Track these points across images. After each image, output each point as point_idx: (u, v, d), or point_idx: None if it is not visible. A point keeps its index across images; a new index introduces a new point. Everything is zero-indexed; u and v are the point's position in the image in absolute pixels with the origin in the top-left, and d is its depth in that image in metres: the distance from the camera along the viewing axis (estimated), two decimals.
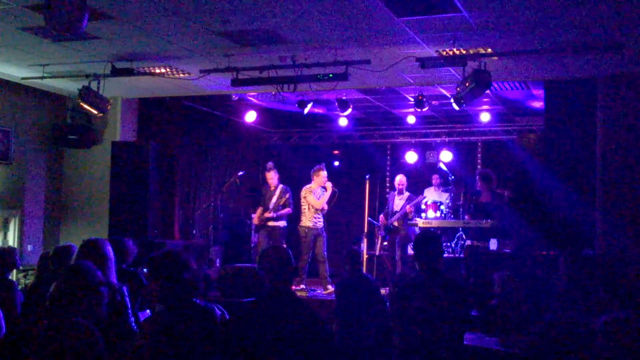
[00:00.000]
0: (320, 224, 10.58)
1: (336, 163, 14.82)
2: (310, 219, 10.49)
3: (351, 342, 7.07)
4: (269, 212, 10.65)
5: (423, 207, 11.57)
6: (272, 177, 10.93)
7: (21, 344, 5.36)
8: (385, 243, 11.48)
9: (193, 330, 3.55)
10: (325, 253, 10.52)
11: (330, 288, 9.95)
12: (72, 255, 5.23)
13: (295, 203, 10.91)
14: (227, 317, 3.78)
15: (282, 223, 10.80)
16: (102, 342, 3.60)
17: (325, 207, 10.57)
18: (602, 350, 2.68)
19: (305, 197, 10.59)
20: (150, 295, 3.78)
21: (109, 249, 4.56)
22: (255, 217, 11.00)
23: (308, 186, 10.65)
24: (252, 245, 12.12)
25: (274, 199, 10.73)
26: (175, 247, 9.52)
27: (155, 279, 3.66)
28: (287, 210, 10.79)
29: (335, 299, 7.55)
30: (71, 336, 3.55)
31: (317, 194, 10.55)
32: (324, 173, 10.62)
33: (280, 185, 10.92)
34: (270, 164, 11.16)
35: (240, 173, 10.97)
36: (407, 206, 10.94)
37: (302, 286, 10.23)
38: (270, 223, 10.69)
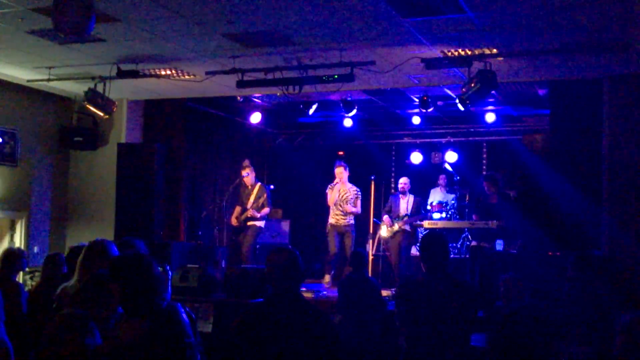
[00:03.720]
0: (344, 222, 10.59)
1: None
2: (333, 216, 10.61)
3: (350, 341, 7.15)
4: (251, 211, 10.56)
5: (429, 207, 11.56)
6: (248, 174, 10.85)
7: (27, 343, 5.39)
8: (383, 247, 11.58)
9: (156, 332, 3.50)
10: (351, 249, 10.52)
11: None
12: None
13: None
14: (193, 316, 3.77)
15: (261, 223, 10.75)
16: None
17: (348, 209, 10.58)
18: (623, 350, 2.68)
19: (326, 194, 10.75)
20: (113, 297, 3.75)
21: (115, 250, 4.56)
22: (233, 218, 10.86)
23: (332, 184, 10.72)
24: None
25: (251, 198, 10.67)
26: (142, 251, 9.51)
27: (115, 281, 3.63)
28: (266, 210, 10.75)
29: (337, 297, 7.71)
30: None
31: (335, 190, 10.56)
32: (337, 170, 10.66)
33: (258, 184, 10.85)
34: (246, 162, 11.04)
35: (245, 175, 10.96)
36: (419, 217, 10.92)
37: (327, 278, 10.32)
38: (250, 222, 10.64)
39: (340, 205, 10.57)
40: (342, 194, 10.62)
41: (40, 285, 6.23)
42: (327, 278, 10.46)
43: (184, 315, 3.62)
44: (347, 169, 10.76)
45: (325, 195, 10.87)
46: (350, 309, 7.37)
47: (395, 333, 5.26)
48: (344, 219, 10.59)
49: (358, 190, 10.78)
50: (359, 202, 10.73)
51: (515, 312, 2.45)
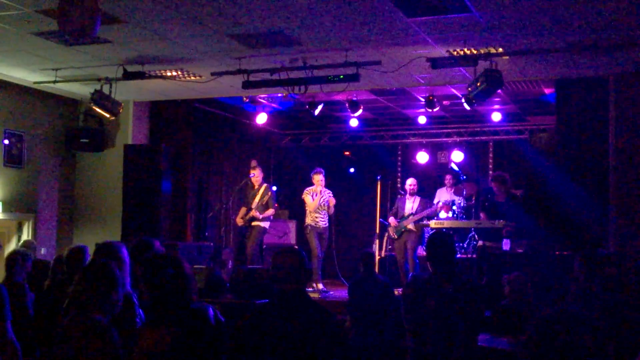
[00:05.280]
0: (323, 224, 10.70)
1: (351, 170, 14.84)
2: (312, 218, 10.68)
3: (364, 341, 7.17)
4: (254, 212, 10.63)
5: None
6: (256, 175, 10.94)
7: (35, 345, 5.39)
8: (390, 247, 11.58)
9: (185, 334, 3.49)
10: (322, 253, 10.72)
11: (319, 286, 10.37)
12: (86, 256, 5.24)
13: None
14: (221, 318, 3.76)
15: (266, 223, 10.82)
16: (118, 342, 3.57)
17: (331, 211, 10.72)
18: None
19: (303, 198, 10.83)
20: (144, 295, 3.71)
21: (125, 252, 4.55)
22: (238, 218, 10.92)
23: (309, 188, 10.79)
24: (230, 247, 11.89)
25: (257, 198, 10.74)
26: (173, 250, 9.53)
27: (146, 281, 3.60)
28: (271, 211, 10.82)
29: (348, 298, 7.74)
30: (90, 334, 3.51)
31: (315, 195, 10.65)
32: (317, 177, 10.78)
33: (264, 184, 10.93)
34: (253, 162, 11.18)
35: (252, 175, 10.99)
36: (425, 212, 10.91)
37: (320, 285, 10.30)
38: (255, 222, 10.70)
39: (319, 210, 10.64)
40: (321, 198, 10.70)
41: (49, 286, 6.23)
42: (320, 285, 10.43)
43: (212, 320, 3.61)
44: (324, 174, 10.85)
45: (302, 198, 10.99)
46: (362, 310, 7.38)
47: (403, 332, 5.27)
48: (323, 222, 10.74)
49: (330, 191, 10.87)
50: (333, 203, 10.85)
51: (555, 316, 2.41)
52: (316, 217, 10.65)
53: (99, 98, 9.34)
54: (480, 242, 10.06)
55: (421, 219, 10.85)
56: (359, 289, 7.62)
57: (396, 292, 9.01)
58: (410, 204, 11.00)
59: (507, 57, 8.22)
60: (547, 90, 11.26)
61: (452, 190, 12.50)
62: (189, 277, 3.61)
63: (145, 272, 3.64)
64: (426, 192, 11.81)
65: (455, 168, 12.66)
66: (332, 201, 10.72)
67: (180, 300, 3.53)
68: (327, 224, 10.84)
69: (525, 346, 2.32)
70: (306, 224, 10.77)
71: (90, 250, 5.41)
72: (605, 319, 4.45)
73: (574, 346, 2.19)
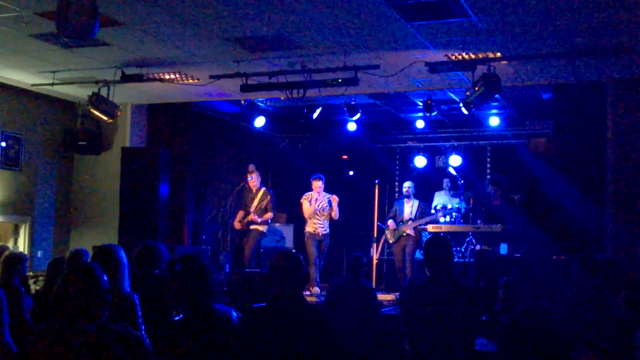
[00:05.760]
0: (322, 231, 10.64)
1: (350, 173, 14.84)
2: (310, 225, 10.65)
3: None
4: (252, 216, 10.63)
5: (432, 211, 11.53)
6: (254, 179, 10.94)
7: (31, 349, 5.37)
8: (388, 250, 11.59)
9: (211, 335, 3.51)
10: (322, 260, 10.69)
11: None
12: (86, 260, 5.24)
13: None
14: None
15: (264, 227, 10.82)
16: (114, 346, 3.53)
17: (335, 215, 10.66)
18: None
19: (301, 203, 10.78)
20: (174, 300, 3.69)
21: (123, 255, 4.55)
22: (236, 222, 10.93)
23: (307, 193, 10.75)
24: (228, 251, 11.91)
25: (255, 202, 10.74)
26: (191, 252, 9.53)
27: (179, 283, 3.61)
28: (270, 214, 10.82)
29: (324, 298, 7.56)
30: (75, 345, 3.41)
31: (313, 201, 10.62)
32: (316, 183, 10.74)
33: (263, 188, 10.94)
34: (251, 167, 11.18)
35: (250, 178, 10.99)
36: (424, 220, 10.91)
37: (316, 288, 10.29)
38: (253, 226, 10.70)
39: (318, 215, 10.62)
40: (319, 204, 10.68)
41: (44, 289, 6.21)
42: (317, 290, 10.41)
43: (236, 322, 3.63)
44: (324, 180, 10.83)
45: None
46: (337, 311, 7.22)
47: (397, 336, 5.25)
48: (322, 228, 10.68)
49: (329, 195, 10.84)
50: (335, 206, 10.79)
51: (526, 314, 2.41)
52: (315, 224, 10.63)
53: (97, 101, 9.34)
54: (478, 247, 10.07)
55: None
56: (339, 291, 7.47)
57: (394, 296, 9.02)
58: (409, 208, 11.00)
59: (505, 62, 8.23)
60: (545, 95, 11.27)
61: (450, 194, 12.51)
62: (213, 278, 3.66)
63: (173, 271, 3.65)
64: (424, 196, 11.82)
65: (453, 172, 12.67)
66: (335, 198, 10.61)
67: (208, 299, 3.57)
68: (327, 231, 10.76)
69: (500, 342, 2.32)
70: (305, 230, 10.72)
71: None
72: (602, 322, 4.45)
73: (546, 340, 2.20)
